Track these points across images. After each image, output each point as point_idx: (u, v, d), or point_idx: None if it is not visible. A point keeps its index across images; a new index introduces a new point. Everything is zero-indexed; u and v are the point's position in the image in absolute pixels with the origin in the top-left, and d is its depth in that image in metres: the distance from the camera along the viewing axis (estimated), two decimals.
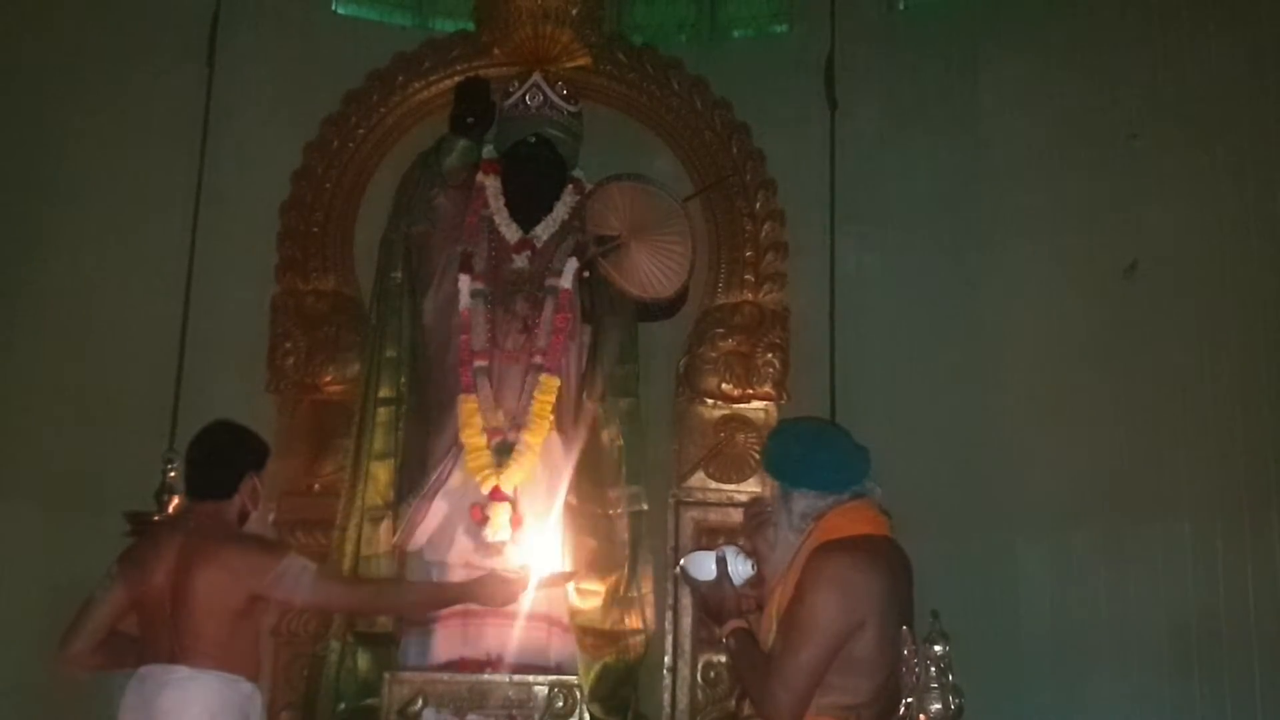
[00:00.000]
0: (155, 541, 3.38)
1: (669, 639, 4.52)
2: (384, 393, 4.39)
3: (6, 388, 4.68)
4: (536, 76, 4.65)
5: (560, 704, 4.00)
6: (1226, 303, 4.41)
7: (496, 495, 4.19)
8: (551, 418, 4.35)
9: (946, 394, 4.84)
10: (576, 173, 4.71)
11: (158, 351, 4.49)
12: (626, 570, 4.27)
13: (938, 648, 2.42)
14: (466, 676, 4.02)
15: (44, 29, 4.94)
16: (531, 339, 4.44)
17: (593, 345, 4.53)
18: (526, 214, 4.61)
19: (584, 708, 4.03)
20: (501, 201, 4.62)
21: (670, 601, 4.51)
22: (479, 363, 4.39)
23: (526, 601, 3.75)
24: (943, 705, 2.39)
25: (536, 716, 3.98)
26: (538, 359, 4.39)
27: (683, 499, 4.67)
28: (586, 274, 4.53)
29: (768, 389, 4.71)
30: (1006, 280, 4.88)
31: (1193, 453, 4.38)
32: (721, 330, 4.74)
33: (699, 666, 4.52)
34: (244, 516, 3.42)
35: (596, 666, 4.14)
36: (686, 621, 4.52)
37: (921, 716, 2.41)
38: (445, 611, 4.15)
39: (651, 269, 4.51)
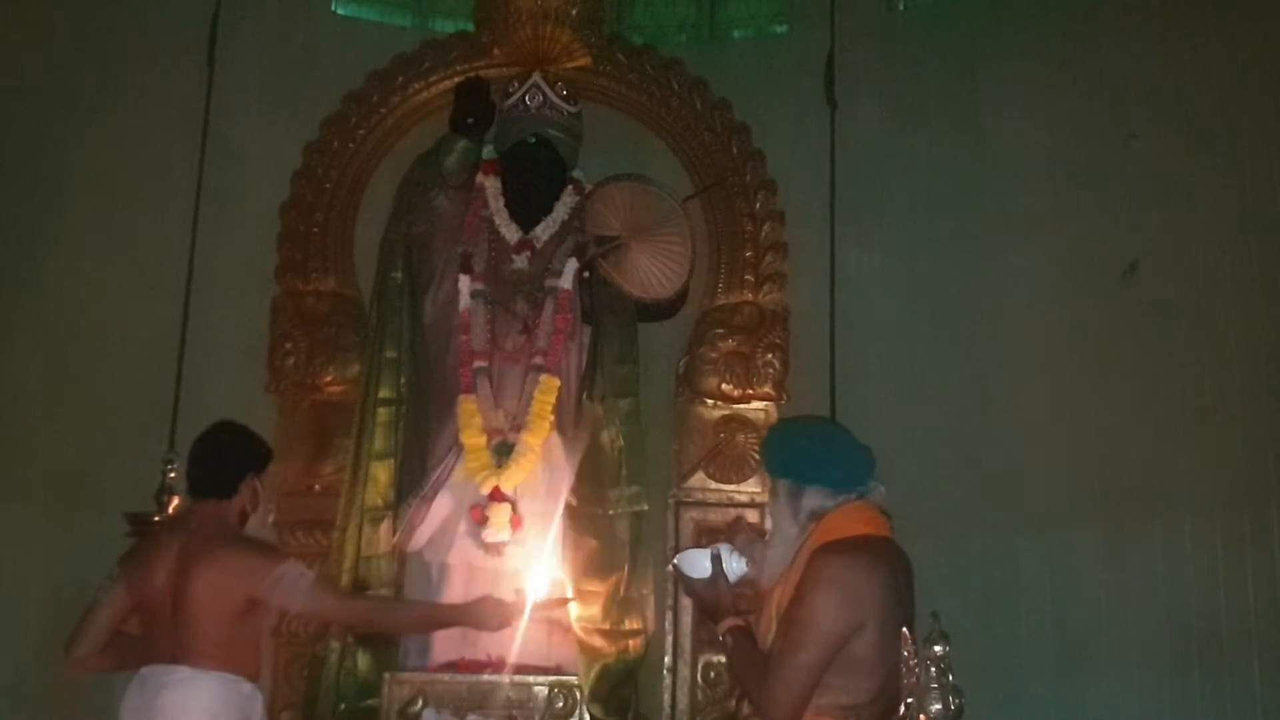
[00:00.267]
0: (156, 542, 3.39)
1: (669, 639, 4.52)
2: (384, 393, 4.40)
3: (6, 388, 4.68)
4: (536, 77, 4.66)
5: (560, 704, 4.00)
6: (1226, 303, 4.41)
7: (496, 496, 4.19)
8: (551, 418, 4.35)
9: (946, 394, 4.84)
10: (576, 173, 4.72)
11: (158, 352, 4.48)
12: (626, 571, 4.27)
13: (938, 648, 2.42)
14: (466, 676, 4.02)
15: (45, 30, 4.94)
16: (531, 339, 4.44)
17: (593, 346, 4.53)
18: (526, 214, 4.61)
19: (584, 708, 4.03)
20: (501, 202, 4.62)
21: (670, 601, 4.51)
22: (479, 363, 4.39)
23: (522, 625, 3.76)
24: (943, 705, 2.39)
25: (536, 716, 3.98)
26: (538, 359, 4.40)
27: (683, 499, 4.66)
28: (586, 274, 4.54)
29: (768, 389, 4.71)
30: (1006, 280, 4.88)
31: (1193, 453, 4.38)
32: (721, 331, 4.74)
33: (699, 666, 4.52)
34: (244, 517, 3.43)
35: (596, 666, 4.15)
36: (686, 621, 4.52)
37: (921, 716, 2.41)
38: None
39: (651, 269, 4.51)
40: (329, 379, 4.68)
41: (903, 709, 2.48)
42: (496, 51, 4.90)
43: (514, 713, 3.95)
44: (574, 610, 4.23)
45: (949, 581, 3.82)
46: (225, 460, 3.41)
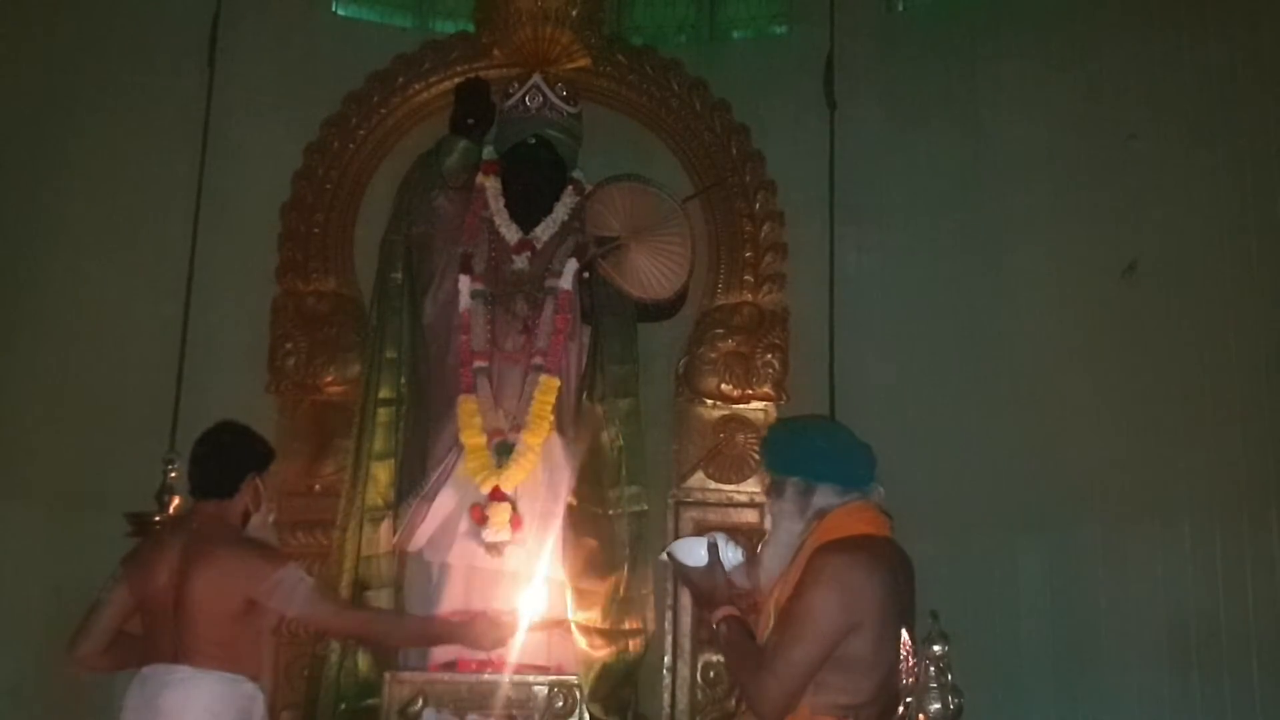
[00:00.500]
0: (158, 542, 3.40)
1: (669, 639, 4.52)
2: (384, 393, 4.40)
3: (6, 388, 4.68)
4: (536, 78, 4.66)
5: (560, 704, 4.00)
6: (1226, 303, 4.41)
7: (496, 495, 4.19)
8: (551, 418, 4.35)
9: (946, 394, 4.85)
10: (576, 174, 4.72)
11: (158, 352, 4.49)
12: (626, 571, 4.27)
13: (937, 648, 2.42)
14: (466, 676, 4.02)
15: (46, 31, 4.95)
16: (531, 339, 4.44)
17: (593, 346, 4.53)
18: (526, 215, 4.61)
19: (584, 708, 4.03)
20: (501, 202, 4.62)
21: (670, 601, 4.51)
22: (479, 363, 4.40)
23: (516, 645, 3.80)
24: (943, 705, 2.39)
25: (536, 716, 3.98)
26: (538, 359, 4.40)
27: (682, 499, 4.67)
28: (586, 275, 4.54)
29: (767, 389, 4.71)
30: (1006, 280, 4.88)
31: (1192, 453, 4.38)
32: (721, 331, 4.75)
33: (699, 666, 4.53)
34: (247, 517, 3.43)
35: (596, 666, 4.15)
36: (686, 621, 4.53)
37: (921, 716, 2.42)
38: (444, 611, 4.16)
39: (651, 270, 4.52)
40: (329, 379, 4.68)
41: (902, 709, 2.49)
42: (497, 52, 4.90)
43: (514, 712, 3.95)
44: (574, 610, 4.23)
45: (949, 581, 3.82)
46: (227, 460, 3.41)
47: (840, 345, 4.55)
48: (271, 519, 4.37)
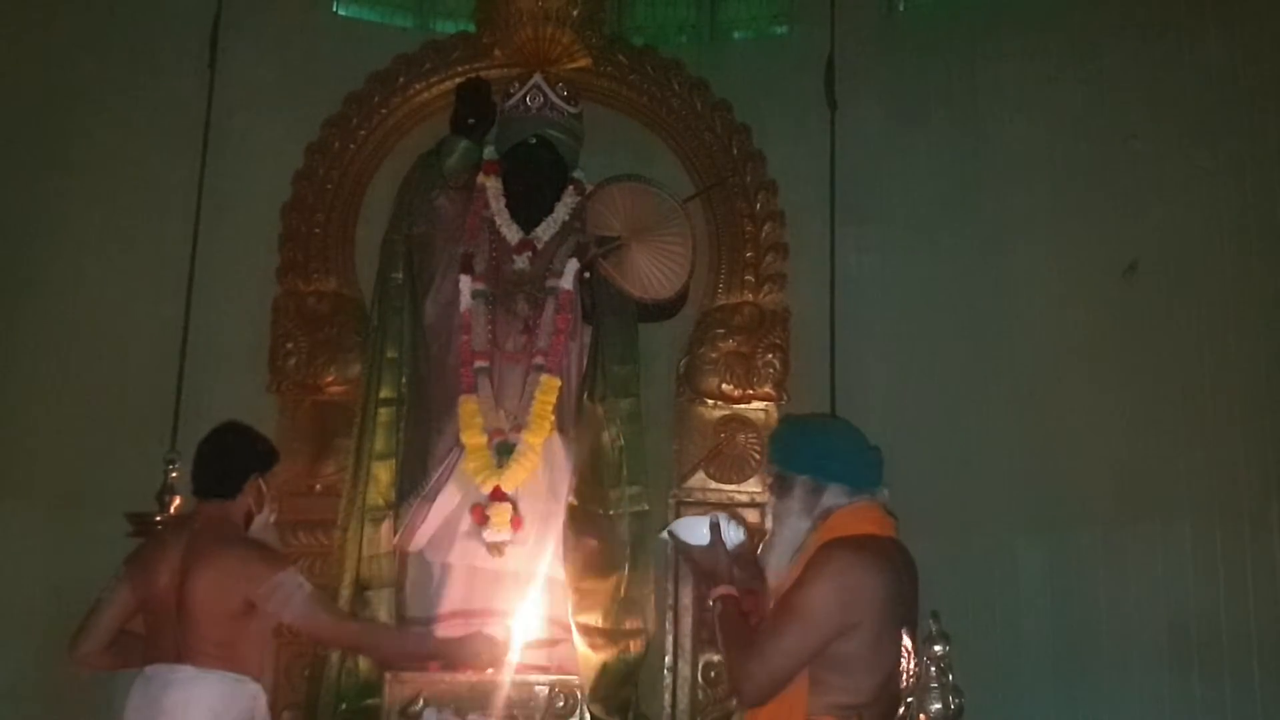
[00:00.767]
0: (161, 542, 3.41)
1: (669, 639, 4.52)
2: (385, 393, 4.39)
3: (7, 388, 4.68)
4: (537, 78, 4.66)
5: (561, 704, 4.00)
6: (1226, 303, 4.41)
7: (497, 495, 4.20)
8: (552, 418, 4.35)
9: (946, 394, 4.85)
10: (577, 174, 4.72)
11: (159, 352, 4.49)
12: (627, 570, 4.26)
13: (938, 648, 2.42)
14: (467, 676, 4.02)
15: (46, 31, 4.94)
16: (532, 339, 4.45)
17: (593, 346, 4.53)
18: (527, 215, 4.62)
19: (584, 708, 4.03)
20: (502, 202, 4.63)
21: (670, 601, 4.51)
22: (480, 363, 4.40)
23: (511, 664, 3.82)
24: (943, 705, 2.39)
25: (537, 716, 3.98)
26: (538, 359, 4.40)
27: (683, 499, 4.67)
28: (587, 275, 4.54)
29: (768, 389, 4.71)
30: (1006, 280, 4.88)
31: (1192, 453, 4.38)
32: (722, 331, 4.75)
33: (699, 666, 4.53)
34: (250, 517, 3.44)
35: (597, 666, 4.15)
36: (687, 621, 4.53)
37: (921, 716, 2.42)
38: (445, 611, 4.17)
39: (652, 270, 4.52)
40: (330, 379, 4.68)
41: (903, 709, 2.49)
42: (497, 52, 4.91)
43: (515, 713, 3.95)
44: (575, 610, 4.23)
45: (949, 581, 3.81)
46: (229, 460, 3.42)
47: (841, 345, 4.55)
48: (272, 519, 4.38)
